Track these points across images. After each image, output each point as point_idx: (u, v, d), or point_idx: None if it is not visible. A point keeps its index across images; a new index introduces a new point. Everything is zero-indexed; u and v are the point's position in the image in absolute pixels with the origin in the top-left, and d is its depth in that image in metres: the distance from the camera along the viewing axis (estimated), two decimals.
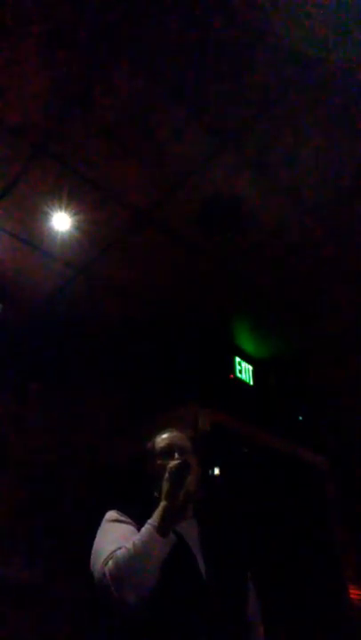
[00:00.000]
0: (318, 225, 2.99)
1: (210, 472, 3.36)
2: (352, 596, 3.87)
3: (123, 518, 1.48)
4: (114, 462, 3.55)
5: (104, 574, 1.29)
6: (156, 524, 1.35)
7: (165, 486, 1.41)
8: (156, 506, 1.40)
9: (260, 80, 2.26)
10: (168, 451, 1.59)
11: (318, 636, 3.27)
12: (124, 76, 2.26)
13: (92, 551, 1.42)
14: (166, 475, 1.42)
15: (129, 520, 1.47)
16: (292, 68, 2.21)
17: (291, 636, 3.07)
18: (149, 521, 1.37)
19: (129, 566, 1.27)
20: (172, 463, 1.45)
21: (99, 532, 1.48)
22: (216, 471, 3.39)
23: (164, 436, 1.66)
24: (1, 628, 2.86)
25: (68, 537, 3.28)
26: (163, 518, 1.36)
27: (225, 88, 2.30)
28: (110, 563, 1.29)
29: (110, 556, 1.31)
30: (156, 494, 1.47)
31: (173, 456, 1.54)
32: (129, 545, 1.31)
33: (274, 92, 2.31)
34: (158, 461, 1.57)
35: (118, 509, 1.52)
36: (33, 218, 2.91)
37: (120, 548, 1.32)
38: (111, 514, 1.52)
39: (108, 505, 1.58)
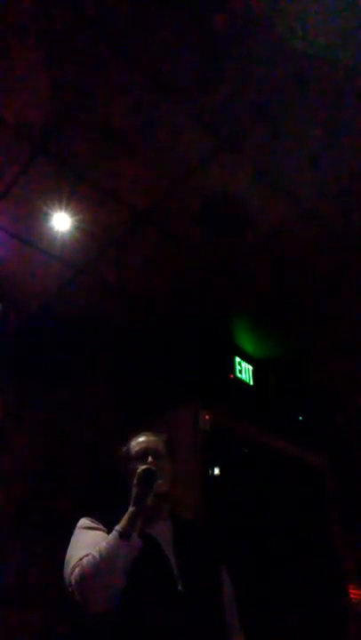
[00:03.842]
0: (318, 225, 2.99)
1: (210, 472, 3.36)
2: (352, 595, 3.87)
3: (94, 525, 1.49)
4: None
5: (70, 582, 1.31)
6: (120, 529, 1.36)
7: (133, 491, 1.43)
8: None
9: (260, 80, 2.26)
10: (142, 454, 1.61)
11: (318, 635, 3.27)
12: (124, 76, 2.26)
13: (65, 559, 1.43)
14: (135, 480, 1.44)
15: (100, 526, 1.48)
16: (292, 67, 2.21)
17: (291, 636, 3.07)
18: (116, 527, 1.38)
19: (94, 573, 1.28)
20: (140, 468, 1.47)
21: (71, 539, 1.50)
22: (216, 471, 3.39)
23: (140, 439, 1.67)
24: (0, 628, 2.86)
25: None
26: (129, 524, 1.37)
27: (225, 88, 2.30)
28: (77, 570, 1.31)
29: (77, 564, 1.33)
30: (129, 499, 1.48)
31: (147, 460, 1.56)
32: (95, 552, 1.33)
33: (274, 91, 2.31)
34: (131, 465, 1.58)
35: (91, 516, 1.54)
36: (33, 218, 2.91)
37: (87, 555, 1.33)
38: (83, 521, 1.53)
39: (81, 511, 1.59)
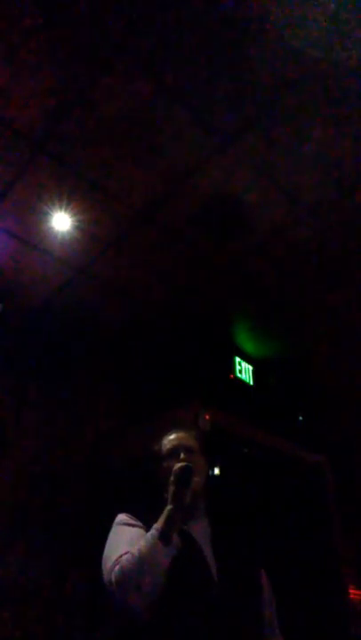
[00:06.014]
0: (318, 225, 2.99)
1: (210, 472, 3.36)
2: (352, 595, 3.87)
3: (132, 522, 1.48)
4: (119, 463, 3.54)
5: (110, 580, 1.30)
6: (160, 527, 1.35)
7: (171, 489, 1.40)
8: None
9: (260, 80, 2.26)
10: (174, 452, 1.58)
11: (318, 636, 3.27)
12: (124, 76, 2.26)
13: (103, 555, 1.42)
14: (171, 477, 1.42)
15: (139, 523, 1.47)
16: (292, 67, 2.21)
17: (291, 636, 3.07)
18: (155, 525, 1.36)
19: (134, 572, 1.28)
20: (177, 465, 1.44)
21: (109, 535, 1.48)
22: (216, 471, 3.39)
23: (171, 437, 1.65)
24: (1, 627, 2.86)
25: (67, 537, 3.28)
26: (167, 522, 1.35)
27: (225, 88, 2.30)
28: (117, 568, 1.30)
29: (117, 562, 1.32)
30: (165, 496, 1.46)
31: (180, 457, 1.54)
32: (134, 550, 1.32)
33: (274, 91, 2.31)
34: (165, 463, 1.56)
35: (128, 512, 1.53)
36: (33, 218, 2.91)
37: (126, 553, 1.32)
38: (121, 517, 1.52)
39: (117, 507, 1.58)
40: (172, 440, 1.64)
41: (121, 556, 1.32)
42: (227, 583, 1.38)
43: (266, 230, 3.02)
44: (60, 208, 2.84)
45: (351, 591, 3.89)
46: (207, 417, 3.41)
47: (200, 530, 1.49)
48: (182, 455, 1.54)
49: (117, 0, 2.00)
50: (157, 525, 1.36)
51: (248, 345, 4.10)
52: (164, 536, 1.33)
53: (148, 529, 1.40)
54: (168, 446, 1.62)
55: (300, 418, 4.57)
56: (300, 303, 3.62)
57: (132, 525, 1.47)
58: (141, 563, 1.28)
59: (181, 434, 1.66)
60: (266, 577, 1.56)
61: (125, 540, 1.40)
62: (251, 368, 4.15)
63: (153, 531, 1.35)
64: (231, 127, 2.46)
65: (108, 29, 2.09)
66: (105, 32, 2.10)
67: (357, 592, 4.12)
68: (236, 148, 2.56)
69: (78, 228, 2.97)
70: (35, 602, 3.01)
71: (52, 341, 3.74)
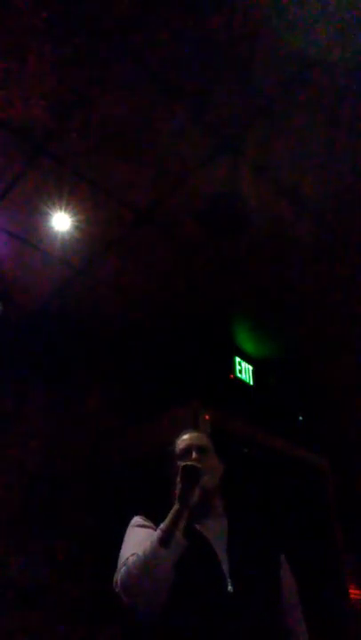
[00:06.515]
0: (318, 225, 2.99)
1: None
2: (352, 595, 3.87)
3: (146, 523, 1.49)
4: (119, 463, 3.53)
5: (116, 582, 1.32)
6: (164, 528, 1.35)
7: (178, 488, 1.41)
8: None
9: (260, 80, 2.26)
10: (187, 451, 1.59)
11: (318, 635, 3.27)
12: (125, 76, 2.26)
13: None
14: (178, 477, 1.42)
15: (151, 524, 1.46)
16: (292, 68, 2.21)
17: None
18: (160, 525, 1.36)
19: (137, 573, 1.28)
20: (182, 465, 1.44)
21: (124, 537, 1.49)
22: None
23: (184, 437, 1.66)
24: (1, 628, 2.86)
25: (67, 537, 3.28)
26: (172, 522, 1.35)
27: (225, 88, 2.30)
28: (123, 570, 1.32)
29: (124, 563, 1.33)
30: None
31: (191, 456, 1.54)
32: (140, 551, 1.32)
33: (274, 91, 2.31)
34: (177, 463, 1.56)
35: (143, 514, 1.53)
36: (33, 218, 2.91)
37: (133, 555, 1.33)
38: (136, 519, 1.53)
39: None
40: (185, 440, 1.65)
41: (128, 558, 1.33)
42: (240, 582, 1.36)
43: (266, 230, 3.02)
44: (60, 208, 2.84)
45: (351, 591, 3.89)
46: (207, 417, 3.41)
47: (215, 528, 1.48)
48: (194, 455, 1.55)
49: (118, 0, 2.00)
50: (162, 526, 1.36)
51: (248, 345, 4.10)
52: (168, 536, 1.33)
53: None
54: (181, 446, 1.63)
55: (300, 418, 4.57)
56: (300, 303, 3.62)
57: (145, 527, 1.48)
58: (145, 563, 1.29)
59: (194, 434, 1.68)
60: (289, 573, 1.53)
61: (135, 542, 1.41)
62: (251, 368, 4.15)
63: (158, 531, 1.35)
64: (231, 127, 2.46)
65: (109, 29, 2.09)
66: (105, 32, 2.10)
67: (357, 592, 4.12)
68: (236, 148, 2.56)
69: (78, 228, 2.97)
70: (35, 602, 3.01)
71: (52, 341, 3.74)
